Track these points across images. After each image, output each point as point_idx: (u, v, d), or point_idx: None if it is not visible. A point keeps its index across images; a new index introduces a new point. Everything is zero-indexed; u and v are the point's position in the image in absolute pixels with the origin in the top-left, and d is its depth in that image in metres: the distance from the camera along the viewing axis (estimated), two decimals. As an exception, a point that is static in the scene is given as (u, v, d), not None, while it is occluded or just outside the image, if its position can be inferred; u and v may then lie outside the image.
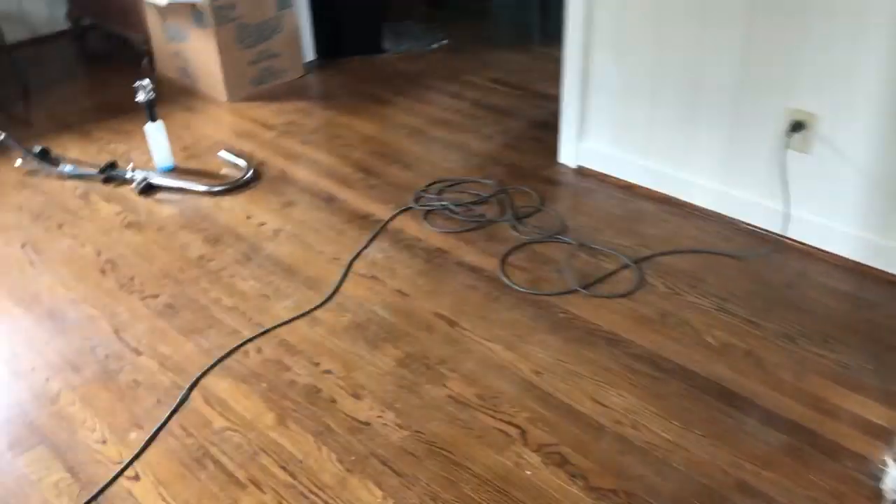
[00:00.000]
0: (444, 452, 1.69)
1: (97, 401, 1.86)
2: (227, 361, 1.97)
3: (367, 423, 1.77)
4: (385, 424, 1.77)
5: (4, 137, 2.90)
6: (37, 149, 2.90)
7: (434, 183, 2.71)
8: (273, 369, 1.94)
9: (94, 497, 1.61)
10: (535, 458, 1.67)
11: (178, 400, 1.85)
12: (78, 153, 3.00)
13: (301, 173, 2.83)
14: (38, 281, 2.30)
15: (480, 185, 2.69)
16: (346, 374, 1.91)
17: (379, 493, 1.60)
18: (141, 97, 2.71)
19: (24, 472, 1.68)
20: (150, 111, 2.75)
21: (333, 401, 1.84)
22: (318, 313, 2.12)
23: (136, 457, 1.71)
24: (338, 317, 2.11)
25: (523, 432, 1.73)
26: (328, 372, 1.92)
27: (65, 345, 2.04)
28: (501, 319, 2.07)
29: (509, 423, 1.76)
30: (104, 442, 1.75)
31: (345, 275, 2.26)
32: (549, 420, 1.76)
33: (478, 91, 3.41)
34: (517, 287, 2.18)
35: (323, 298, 2.17)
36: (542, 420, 1.76)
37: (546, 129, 2.96)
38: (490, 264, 2.28)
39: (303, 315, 2.11)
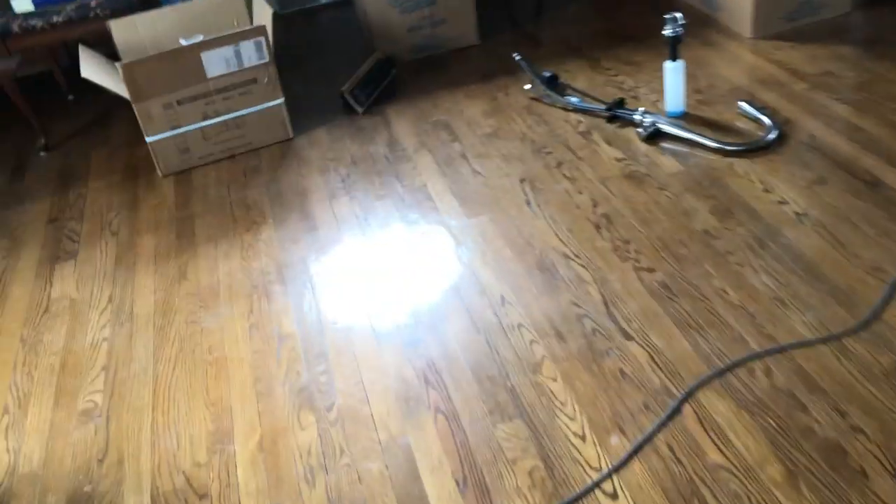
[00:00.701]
0: None
1: (579, 383, 1.70)
2: (729, 376, 1.65)
3: (916, 528, 1.33)
4: (942, 538, 1.30)
5: (519, 59, 2.86)
6: (546, 74, 2.81)
7: None
8: (785, 404, 1.57)
9: (568, 505, 1.46)
10: None
11: (667, 410, 1.60)
12: (583, 83, 2.85)
13: (837, 142, 2.30)
14: (532, 224, 2.20)
15: None
16: (886, 442, 1.46)
17: None
18: (668, 31, 2.41)
19: (501, 445, 1.59)
20: (673, 48, 2.44)
21: (864, 474, 1.42)
22: (849, 342, 1.67)
23: (616, 469, 1.51)
24: (877, 354, 1.63)
25: None
26: (858, 430, 1.49)
27: (552, 305, 1.91)
28: None
29: None
30: (582, 438, 1.58)
31: (889, 296, 1.76)
32: None
33: None
34: None
35: (857, 322, 1.71)
36: None
37: None
38: None
39: (829, 339, 1.68)
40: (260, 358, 1.93)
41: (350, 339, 1.94)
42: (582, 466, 1.52)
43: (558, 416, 1.63)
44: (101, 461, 1.72)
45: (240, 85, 2.68)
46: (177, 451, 1.72)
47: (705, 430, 1.55)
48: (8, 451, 1.80)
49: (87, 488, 1.67)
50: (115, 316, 2.15)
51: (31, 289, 2.31)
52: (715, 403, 1.60)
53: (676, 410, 1.60)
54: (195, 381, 1.90)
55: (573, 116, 2.66)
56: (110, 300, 2.20)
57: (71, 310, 2.20)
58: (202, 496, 1.61)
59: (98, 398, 1.89)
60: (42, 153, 3.01)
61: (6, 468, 1.76)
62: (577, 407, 1.64)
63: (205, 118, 2.68)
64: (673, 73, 2.48)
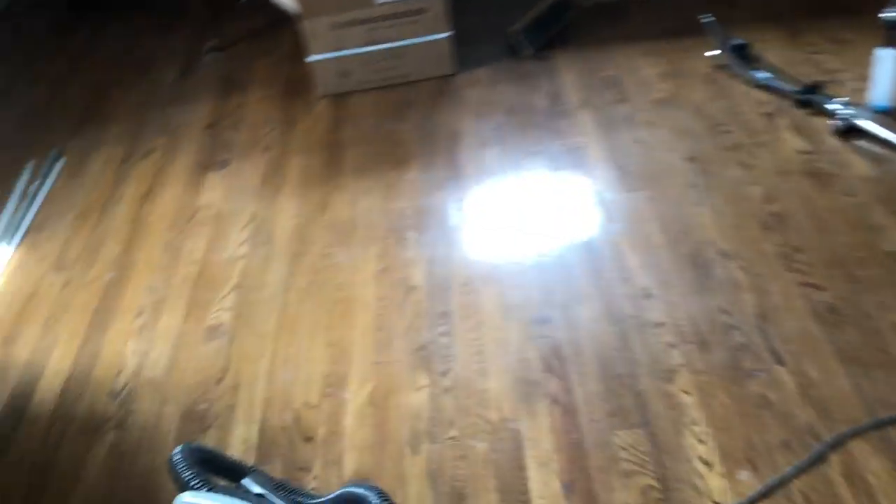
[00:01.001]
0: None
1: (715, 402, 1.55)
2: (890, 430, 1.46)
3: None
4: None
5: (708, 21, 2.60)
6: (735, 41, 2.54)
7: None
8: (954, 477, 1.37)
9: (680, 538, 1.35)
10: None
11: (811, 454, 1.43)
12: (777, 57, 2.55)
13: None
14: (693, 211, 2.02)
15: None
16: None
17: None
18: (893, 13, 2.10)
19: (617, 454, 1.49)
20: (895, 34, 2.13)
21: None
22: None
23: (740, 510, 1.37)
24: None
25: None
26: None
27: (700, 308, 1.75)
28: None
29: None
30: (708, 465, 1.45)
31: None
32: None
33: None
34: None
35: None
36: None
37: None
38: None
39: None
40: (385, 305, 1.89)
41: (477, 303, 1.86)
42: (703, 496, 1.40)
43: (686, 435, 1.50)
44: (218, 382, 1.76)
45: (408, 14, 2.59)
46: (291, 387, 1.73)
47: (851, 486, 1.38)
48: (137, 353, 1.87)
49: (201, 406, 1.71)
50: (255, 235, 2.17)
51: (181, 193, 2.37)
52: (868, 458, 1.41)
53: (821, 457, 1.43)
54: (319, 317, 1.89)
55: (759, 94, 2.40)
56: (252, 218, 2.23)
57: (214, 221, 2.24)
58: (308, 439, 1.61)
59: (226, 316, 1.93)
60: (210, 55, 3.06)
61: (134, 369, 1.83)
62: (708, 428, 1.50)
63: (368, 43, 2.62)
64: (888, 63, 2.17)
